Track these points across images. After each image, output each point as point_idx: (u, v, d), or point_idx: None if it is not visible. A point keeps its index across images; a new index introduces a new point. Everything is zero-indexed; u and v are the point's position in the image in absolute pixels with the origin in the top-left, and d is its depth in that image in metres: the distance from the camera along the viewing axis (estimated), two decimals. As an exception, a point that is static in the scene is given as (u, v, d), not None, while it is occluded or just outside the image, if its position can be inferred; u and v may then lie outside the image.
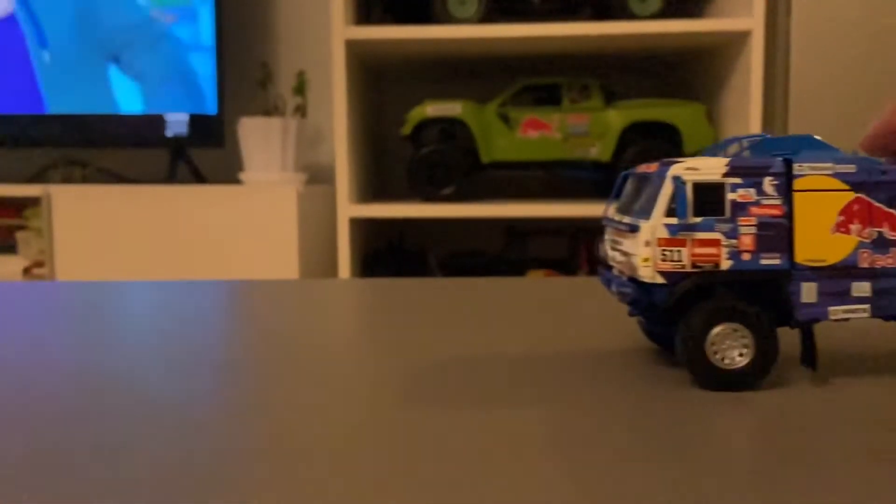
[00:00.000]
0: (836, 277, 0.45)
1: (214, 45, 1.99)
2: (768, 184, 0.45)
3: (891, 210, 0.45)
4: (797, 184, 0.45)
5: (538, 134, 1.74)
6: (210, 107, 2.00)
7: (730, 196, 0.44)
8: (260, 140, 1.88)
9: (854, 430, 0.39)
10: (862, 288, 0.45)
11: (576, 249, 1.97)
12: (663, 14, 1.69)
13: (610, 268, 0.50)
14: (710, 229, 0.44)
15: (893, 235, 0.45)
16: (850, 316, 0.45)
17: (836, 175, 0.45)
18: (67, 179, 2.09)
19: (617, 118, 1.73)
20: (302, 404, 0.44)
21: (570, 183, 2.14)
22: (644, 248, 0.45)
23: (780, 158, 0.45)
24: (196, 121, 2.01)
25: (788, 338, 0.48)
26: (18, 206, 1.89)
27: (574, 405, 0.42)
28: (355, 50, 1.74)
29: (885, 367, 0.50)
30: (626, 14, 1.69)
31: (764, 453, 0.36)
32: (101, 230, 1.78)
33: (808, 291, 0.45)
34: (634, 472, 0.33)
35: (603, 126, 1.73)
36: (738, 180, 0.44)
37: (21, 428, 0.39)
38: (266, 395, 0.46)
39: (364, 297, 0.83)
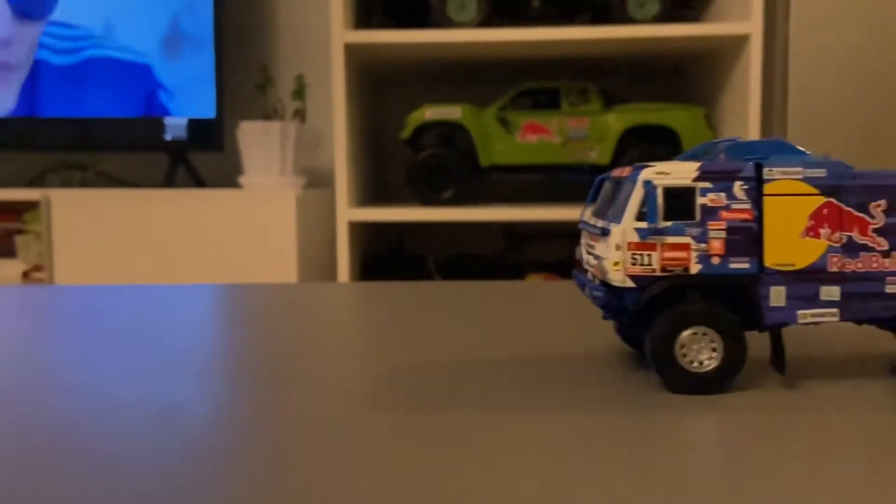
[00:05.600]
0: (805, 281, 0.45)
1: (213, 49, 1.99)
2: (738, 188, 0.45)
3: (861, 214, 0.45)
4: (767, 188, 0.45)
5: (537, 138, 1.74)
6: (209, 111, 2.00)
7: (700, 200, 0.44)
8: (259, 144, 1.88)
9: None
10: (831, 292, 0.45)
11: (575, 253, 1.97)
12: (662, 18, 1.69)
13: (586, 271, 0.50)
14: (680, 233, 0.44)
15: (863, 240, 0.45)
16: (819, 320, 0.45)
17: (806, 179, 0.45)
18: (66, 183, 2.09)
19: (616, 122, 1.73)
20: (301, 405, 0.44)
21: (570, 187, 2.14)
22: (615, 251, 0.45)
23: (751, 163, 0.45)
24: (195, 125, 2.01)
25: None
26: (17, 210, 1.89)
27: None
28: (355, 54, 1.74)
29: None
30: (624, 18, 1.70)
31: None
32: (101, 234, 1.78)
33: (777, 295, 0.45)
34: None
35: (602, 130, 1.73)
36: (708, 185, 0.44)
37: (19, 432, 0.39)
38: (265, 398, 0.46)
39: (363, 300, 0.83)
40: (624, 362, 0.52)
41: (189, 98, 2.01)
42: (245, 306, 0.77)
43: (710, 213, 0.44)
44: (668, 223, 0.44)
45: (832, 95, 1.64)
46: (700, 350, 0.45)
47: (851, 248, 0.45)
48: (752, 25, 1.60)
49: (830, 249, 0.45)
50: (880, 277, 0.45)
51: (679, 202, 0.44)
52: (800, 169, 0.45)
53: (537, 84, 1.79)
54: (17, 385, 0.48)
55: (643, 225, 0.44)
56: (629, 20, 1.69)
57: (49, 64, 2.01)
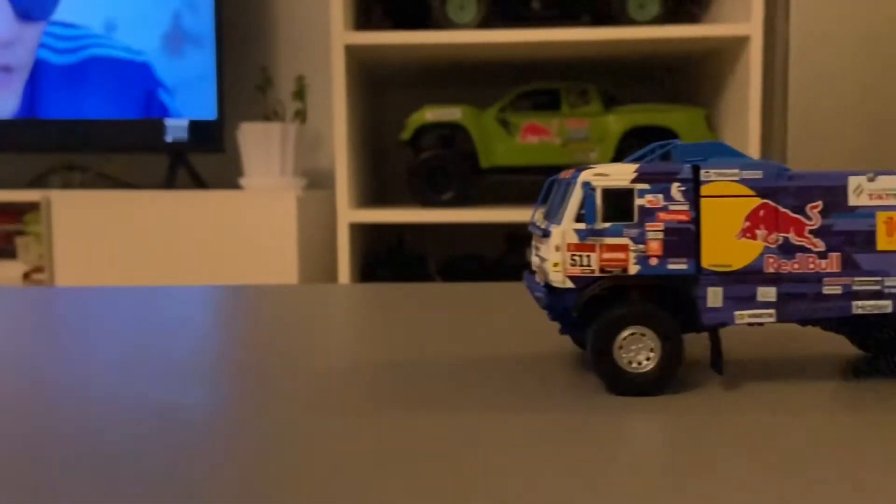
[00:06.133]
0: (742, 282, 0.45)
1: (214, 50, 1.99)
2: (676, 190, 0.45)
3: (797, 216, 0.45)
4: (704, 189, 0.45)
5: (538, 139, 1.74)
6: (210, 112, 2.00)
7: (638, 202, 0.45)
8: (260, 145, 1.88)
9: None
10: (767, 293, 0.45)
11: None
12: (662, 19, 1.69)
13: (534, 273, 0.50)
14: (619, 234, 0.45)
15: (799, 241, 0.45)
16: (756, 320, 0.46)
17: (743, 181, 0.45)
18: (67, 185, 2.09)
19: (616, 123, 1.73)
20: (297, 406, 0.44)
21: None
22: (554, 252, 0.45)
23: (688, 164, 0.45)
24: (196, 126, 2.01)
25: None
26: (18, 212, 1.89)
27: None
28: (355, 55, 1.74)
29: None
30: (625, 19, 1.70)
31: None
32: (101, 235, 1.78)
33: (714, 296, 0.45)
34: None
35: (602, 131, 1.73)
36: (646, 186, 0.45)
37: (20, 432, 0.39)
38: (264, 398, 0.46)
39: (363, 301, 0.83)
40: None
41: (189, 99, 2.01)
42: (245, 307, 0.77)
43: (648, 214, 0.45)
44: (607, 224, 0.45)
45: (832, 96, 1.64)
46: (639, 351, 0.45)
47: (788, 250, 0.45)
48: (752, 27, 1.60)
49: (767, 250, 0.45)
50: (817, 278, 0.45)
51: (618, 203, 0.45)
52: (736, 170, 0.45)
53: (538, 85, 1.79)
54: (17, 386, 0.49)
55: (582, 226, 0.45)
56: (629, 22, 1.69)
57: (49, 64, 2.01)
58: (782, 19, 1.67)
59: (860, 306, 0.45)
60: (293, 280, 1.74)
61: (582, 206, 0.45)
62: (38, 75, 2.01)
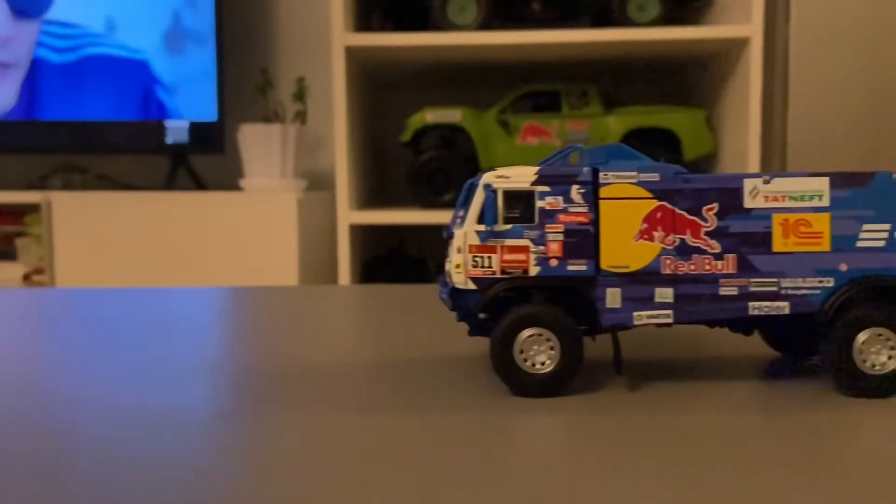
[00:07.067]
0: (640, 283, 0.46)
1: (214, 52, 1.99)
2: (575, 192, 0.46)
3: (693, 217, 0.46)
4: (603, 192, 0.46)
5: (538, 140, 1.74)
6: (210, 113, 2.00)
7: (539, 204, 0.46)
8: (260, 147, 1.88)
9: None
10: (665, 294, 0.46)
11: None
12: (662, 21, 1.69)
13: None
14: (519, 236, 0.46)
15: (696, 242, 0.46)
16: (654, 321, 0.46)
17: (640, 183, 0.46)
18: (67, 186, 2.09)
19: (616, 124, 1.73)
20: (296, 407, 0.44)
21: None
22: (456, 254, 0.46)
23: (588, 167, 0.46)
24: (196, 127, 2.01)
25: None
26: (18, 213, 1.89)
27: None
28: (355, 56, 1.74)
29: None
30: (625, 21, 1.70)
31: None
32: (101, 237, 1.78)
33: (613, 297, 0.46)
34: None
35: (602, 132, 1.73)
36: (546, 188, 0.46)
37: (20, 432, 0.39)
38: (264, 399, 0.46)
39: (363, 303, 0.83)
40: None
41: (190, 100, 2.01)
42: (245, 309, 0.77)
43: (549, 216, 0.46)
44: (508, 226, 0.45)
45: (832, 97, 1.64)
46: (539, 352, 0.45)
47: (684, 251, 0.46)
48: (752, 28, 1.60)
49: (664, 252, 0.46)
50: (713, 279, 0.46)
51: (519, 205, 0.46)
52: (634, 173, 0.46)
53: (538, 87, 1.79)
54: (17, 386, 0.49)
55: (483, 228, 0.45)
56: (630, 23, 1.69)
57: (48, 62, 2.01)
58: (783, 21, 1.67)
59: (756, 307, 0.46)
60: (293, 281, 1.74)
61: (484, 208, 0.45)
62: (38, 74, 2.01)
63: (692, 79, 1.99)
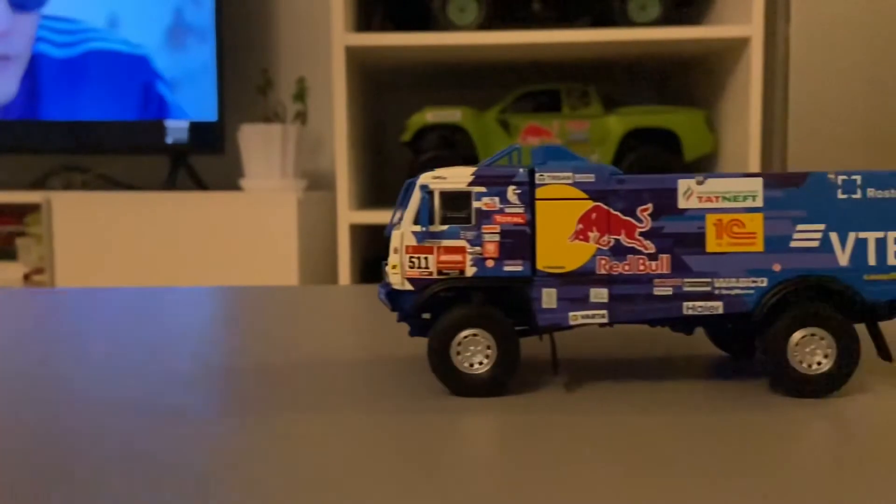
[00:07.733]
0: (575, 283, 0.46)
1: (215, 52, 1.99)
2: (512, 193, 0.46)
3: (628, 218, 0.46)
4: (539, 192, 0.46)
5: (538, 140, 1.74)
6: (210, 113, 2.00)
7: (475, 204, 0.46)
8: (260, 147, 1.88)
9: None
10: (600, 294, 0.47)
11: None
12: (663, 21, 1.69)
13: None
14: (456, 237, 0.46)
15: (630, 243, 0.46)
16: (589, 321, 0.47)
17: (576, 184, 0.46)
18: (68, 186, 2.09)
19: (617, 125, 1.73)
20: (295, 407, 0.44)
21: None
22: (393, 255, 0.47)
23: (524, 168, 0.46)
24: (196, 127, 2.01)
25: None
26: (19, 213, 1.89)
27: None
28: (356, 57, 1.74)
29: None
30: (625, 21, 1.70)
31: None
32: (102, 237, 1.78)
33: (549, 297, 0.47)
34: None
35: (603, 132, 1.73)
36: (482, 189, 0.46)
37: (20, 432, 0.39)
38: (264, 399, 0.46)
39: (363, 303, 0.83)
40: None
41: (190, 101, 2.01)
42: (245, 308, 0.77)
43: (485, 216, 0.46)
44: (444, 227, 0.46)
45: (832, 97, 1.64)
46: (475, 353, 0.46)
47: (619, 251, 0.46)
48: (752, 28, 1.60)
49: (599, 252, 0.46)
50: (647, 280, 0.46)
51: (456, 206, 0.46)
52: (569, 174, 0.46)
53: (538, 87, 1.78)
54: (18, 386, 0.49)
55: (419, 228, 0.46)
56: (630, 23, 1.69)
57: (49, 57, 2.01)
58: (783, 20, 1.67)
59: (691, 307, 0.46)
60: (293, 281, 1.74)
61: (420, 208, 0.46)
62: (39, 68, 2.01)
63: (692, 79, 1.99)
